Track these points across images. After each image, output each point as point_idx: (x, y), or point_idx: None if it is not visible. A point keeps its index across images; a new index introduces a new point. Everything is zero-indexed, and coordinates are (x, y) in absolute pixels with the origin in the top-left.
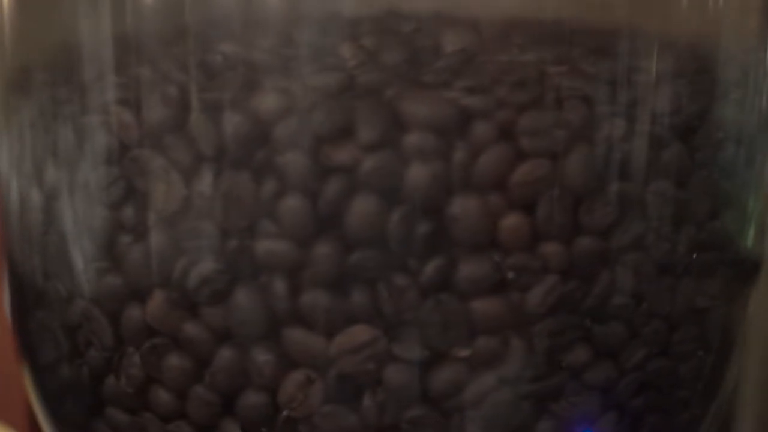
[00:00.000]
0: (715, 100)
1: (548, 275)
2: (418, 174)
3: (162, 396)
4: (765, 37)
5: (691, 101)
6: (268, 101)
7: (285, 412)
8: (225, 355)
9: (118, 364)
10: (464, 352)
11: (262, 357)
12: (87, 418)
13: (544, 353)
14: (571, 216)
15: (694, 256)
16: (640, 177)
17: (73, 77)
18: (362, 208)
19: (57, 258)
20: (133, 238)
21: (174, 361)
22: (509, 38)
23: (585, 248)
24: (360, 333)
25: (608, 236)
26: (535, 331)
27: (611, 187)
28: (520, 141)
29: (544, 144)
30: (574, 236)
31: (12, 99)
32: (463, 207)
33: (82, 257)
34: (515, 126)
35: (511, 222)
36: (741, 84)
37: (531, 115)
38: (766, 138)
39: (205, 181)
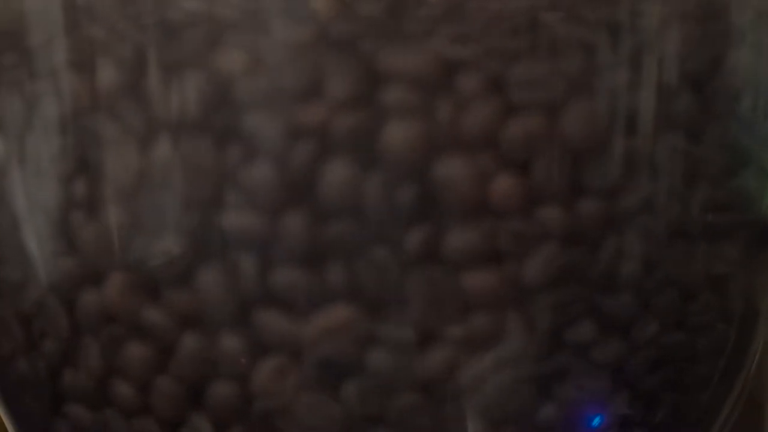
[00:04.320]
0: (728, 45)
1: (547, 243)
2: (397, 133)
3: (124, 389)
4: None
5: (701, 47)
6: (232, 58)
7: (259, 404)
8: (189, 342)
9: (76, 355)
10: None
11: (232, 343)
12: (47, 416)
13: (546, 330)
14: (571, 176)
15: (710, 217)
16: (648, 130)
17: (20, 41)
18: (336, 173)
19: (8, 241)
20: (86, 215)
21: (134, 350)
22: None
23: (588, 211)
24: (338, 313)
25: (614, 197)
26: (536, 305)
27: (616, 142)
28: (511, 93)
29: (539, 96)
30: (575, 198)
31: None
32: (449, 168)
33: (35, 239)
34: (505, 77)
35: (504, 183)
36: (756, 27)
37: (523, 65)
38: None
39: (162, 149)
